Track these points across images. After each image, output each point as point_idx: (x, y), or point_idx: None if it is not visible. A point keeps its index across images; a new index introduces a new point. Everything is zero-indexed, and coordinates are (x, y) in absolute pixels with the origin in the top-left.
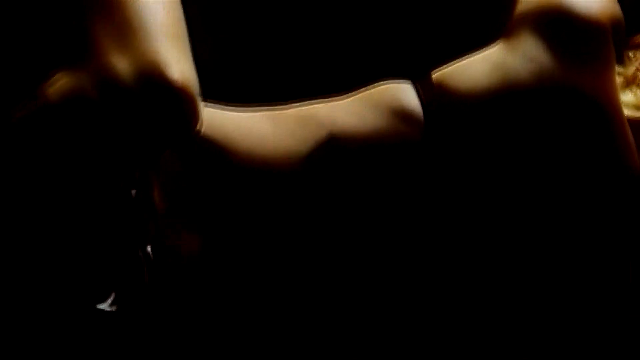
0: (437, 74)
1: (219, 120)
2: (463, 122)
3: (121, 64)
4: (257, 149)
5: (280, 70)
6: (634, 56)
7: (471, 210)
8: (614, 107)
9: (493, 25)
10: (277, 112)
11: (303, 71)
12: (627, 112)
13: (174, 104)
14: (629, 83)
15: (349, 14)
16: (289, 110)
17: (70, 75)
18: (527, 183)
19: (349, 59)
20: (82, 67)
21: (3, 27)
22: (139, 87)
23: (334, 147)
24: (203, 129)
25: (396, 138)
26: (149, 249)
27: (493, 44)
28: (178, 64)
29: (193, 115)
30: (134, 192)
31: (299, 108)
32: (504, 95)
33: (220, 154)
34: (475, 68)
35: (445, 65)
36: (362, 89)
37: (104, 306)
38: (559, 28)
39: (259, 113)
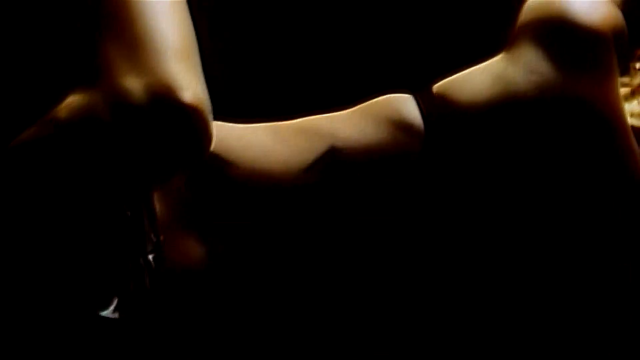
0: (438, 86)
1: (221, 133)
2: (464, 133)
3: (133, 84)
4: (259, 161)
5: (283, 84)
6: None
7: (472, 221)
8: (617, 115)
9: (495, 36)
10: (278, 125)
11: (305, 85)
12: (633, 121)
13: (187, 125)
14: (635, 93)
15: (351, 28)
16: (290, 123)
17: (82, 96)
18: (528, 193)
19: (350, 72)
20: (95, 88)
21: (16, 46)
22: (151, 109)
23: (335, 158)
24: None
25: (396, 149)
26: (150, 257)
27: (495, 55)
28: (190, 84)
29: (205, 136)
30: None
31: (300, 121)
32: (504, 106)
33: (222, 166)
34: (476, 79)
35: (447, 77)
36: (363, 101)
37: (107, 313)
38: (560, 38)
39: (260, 126)
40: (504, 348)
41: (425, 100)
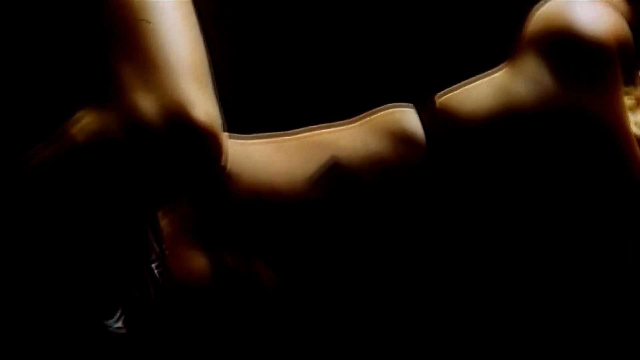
0: (441, 98)
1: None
2: (465, 145)
3: (146, 103)
4: (262, 175)
5: (285, 97)
6: None
7: (475, 232)
8: (620, 127)
9: (499, 48)
10: (281, 139)
11: (308, 98)
12: (638, 131)
13: (199, 143)
14: None
15: (354, 41)
16: (293, 137)
17: (94, 114)
18: (531, 205)
19: (354, 85)
20: (107, 106)
21: (28, 64)
22: (164, 128)
23: (338, 171)
24: None
25: (398, 161)
26: (154, 268)
27: (499, 67)
28: (202, 103)
29: (218, 154)
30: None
31: (303, 135)
32: (506, 118)
33: (225, 180)
34: (479, 92)
35: (451, 89)
36: (366, 114)
37: (111, 323)
38: (564, 50)
39: (263, 140)
40: (508, 354)
41: (428, 113)
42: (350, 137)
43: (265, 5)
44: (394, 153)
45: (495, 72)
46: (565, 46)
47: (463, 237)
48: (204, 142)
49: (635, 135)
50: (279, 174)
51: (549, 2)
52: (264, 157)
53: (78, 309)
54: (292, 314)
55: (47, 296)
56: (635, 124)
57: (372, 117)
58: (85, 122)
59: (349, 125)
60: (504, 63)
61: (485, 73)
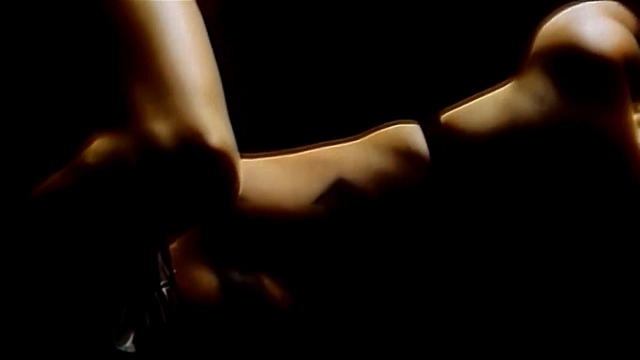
0: (445, 115)
1: None
2: (469, 162)
3: (161, 129)
4: (267, 193)
5: (290, 115)
6: None
7: (479, 249)
8: (628, 143)
9: (505, 65)
10: (285, 157)
11: (313, 115)
12: None
13: (214, 170)
14: None
15: (359, 58)
16: (297, 155)
17: (109, 139)
18: (535, 223)
19: (358, 102)
20: (121, 131)
21: (42, 87)
22: (179, 154)
23: (342, 189)
24: None
25: (402, 178)
26: (164, 289)
27: (504, 83)
28: (217, 128)
29: (233, 180)
30: None
31: (307, 153)
32: (511, 135)
33: None
34: (483, 108)
35: (455, 106)
36: (371, 131)
37: (124, 346)
38: (569, 66)
39: (268, 159)
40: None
41: (432, 129)
42: (354, 154)
43: (270, 21)
44: (398, 169)
45: (501, 88)
46: (570, 62)
47: (467, 253)
48: (219, 169)
49: None
50: (283, 191)
51: (556, 18)
52: (269, 176)
53: (88, 329)
54: (301, 331)
55: (58, 316)
56: None
57: (376, 133)
58: (99, 147)
59: (354, 143)
60: (510, 79)
61: (491, 89)
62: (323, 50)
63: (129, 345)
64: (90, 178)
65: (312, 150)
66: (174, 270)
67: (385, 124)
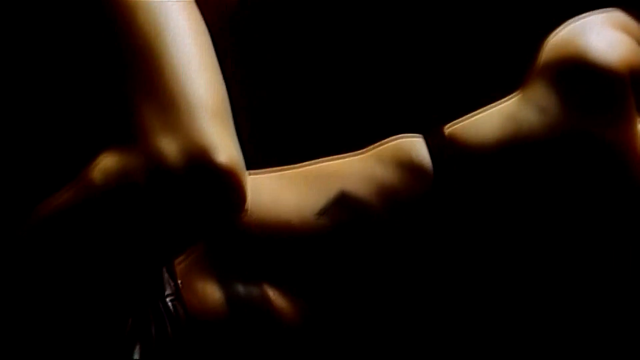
0: (450, 128)
1: None
2: (472, 175)
3: (169, 147)
4: (271, 207)
5: (293, 129)
6: None
7: (482, 261)
8: (634, 155)
9: (511, 78)
10: (289, 172)
11: (317, 129)
12: None
13: (222, 188)
14: None
15: (364, 72)
16: (301, 170)
17: (116, 156)
18: (539, 235)
19: (363, 116)
20: (129, 148)
21: (50, 104)
22: (187, 173)
23: (346, 202)
24: None
25: (405, 191)
26: (169, 302)
27: (510, 97)
28: (225, 145)
29: (240, 197)
30: None
31: (310, 167)
32: (515, 148)
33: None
34: (487, 121)
35: (460, 119)
36: (375, 145)
37: (130, 357)
38: (574, 78)
39: (272, 175)
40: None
41: (436, 143)
42: (357, 167)
43: (274, 36)
44: (401, 182)
45: (506, 101)
46: (575, 73)
47: (471, 264)
48: (226, 186)
49: None
50: (287, 205)
51: (562, 30)
52: (273, 190)
53: (95, 341)
54: (306, 344)
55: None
56: None
57: (380, 147)
58: (106, 164)
59: (357, 157)
60: (516, 92)
61: (497, 102)
62: (328, 64)
63: (135, 356)
64: (98, 196)
65: (315, 164)
66: (180, 284)
67: (390, 138)
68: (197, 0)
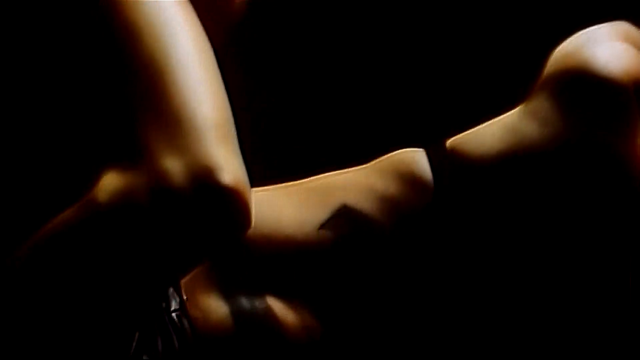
0: (451, 141)
1: None
2: (472, 188)
3: (174, 167)
4: (273, 222)
5: (296, 142)
6: None
7: (482, 274)
8: (637, 166)
9: (516, 91)
10: (291, 186)
11: (320, 142)
12: None
13: (226, 208)
14: None
15: (367, 86)
16: (302, 183)
17: (120, 176)
18: (540, 247)
19: (366, 129)
20: (133, 168)
21: (53, 122)
22: (192, 192)
23: (347, 215)
24: None
25: (406, 203)
26: (174, 316)
27: (513, 109)
28: (230, 165)
29: (245, 217)
30: None
31: (312, 180)
32: (516, 160)
33: None
34: (488, 134)
35: (463, 132)
36: (377, 158)
37: None
38: (577, 90)
39: (274, 188)
40: None
41: (437, 155)
42: (358, 180)
43: (277, 52)
44: (402, 194)
45: (509, 112)
46: (577, 85)
47: (472, 277)
48: (232, 207)
49: None
50: (289, 219)
51: (567, 42)
52: (275, 204)
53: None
54: (311, 357)
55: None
56: None
57: (381, 160)
58: (111, 184)
59: (358, 169)
60: (519, 104)
61: (500, 115)
62: (331, 78)
63: None
64: (103, 216)
65: (317, 178)
66: (186, 299)
67: (393, 151)
68: (200, 16)
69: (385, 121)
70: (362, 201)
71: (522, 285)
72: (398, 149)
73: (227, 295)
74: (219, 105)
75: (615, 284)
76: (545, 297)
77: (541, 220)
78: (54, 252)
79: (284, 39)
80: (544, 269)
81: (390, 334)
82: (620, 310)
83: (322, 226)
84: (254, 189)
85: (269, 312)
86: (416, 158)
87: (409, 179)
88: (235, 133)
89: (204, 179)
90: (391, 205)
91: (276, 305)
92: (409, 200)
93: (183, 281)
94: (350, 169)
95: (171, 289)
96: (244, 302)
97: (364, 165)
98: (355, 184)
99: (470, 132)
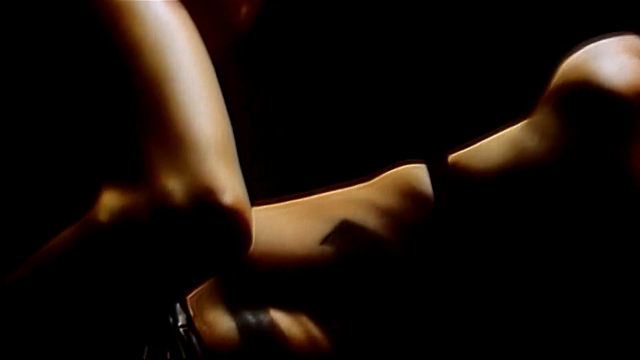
0: (453, 155)
1: None
2: (474, 202)
3: (174, 187)
4: (275, 239)
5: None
6: None
7: (483, 289)
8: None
9: (520, 105)
10: (292, 203)
11: (321, 160)
12: None
13: (227, 228)
14: None
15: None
16: (303, 201)
17: (120, 195)
18: (541, 262)
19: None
20: (134, 187)
21: (53, 139)
22: (192, 212)
23: (346, 228)
24: None
25: (407, 218)
26: (182, 330)
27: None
28: (231, 185)
29: (246, 237)
30: None
31: (312, 197)
32: (517, 174)
33: None
34: (490, 148)
35: (465, 146)
36: (379, 173)
37: None
38: (580, 103)
39: (275, 206)
40: None
41: (438, 170)
42: (359, 196)
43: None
44: (403, 209)
45: (513, 127)
46: (580, 99)
47: (471, 294)
48: (232, 226)
49: None
50: (291, 234)
51: (574, 56)
52: (277, 221)
53: None
54: None
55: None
56: None
57: (383, 175)
58: (111, 203)
59: (359, 186)
60: (522, 119)
61: (505, 128)
62: (333, 92)
63: None
64: (103, 236)
65: (318, 196)
66: (193, 315)
67: (395, 166)
68: (203, 27)
69: (388, 136)
70: (363, 216)
71: (525, 299)
72: (400, 164)
73: (233, 310)
74: (219, 123)
75: (619, 296)
76: (548, 311)
77: (543, 235)
78: (55, 271)
79: (288, 52)
80: (547, 282)
81: (393, 345)
82: (623, 323)
83: (324, 241)
84: (255, 208)
85: (274, 326)
86: (417, 173)
87: (410, 195)
88: (235, 150)
89: (204, 199)
90: (392, 220)
91: (281, 319)
92: (410, 215)
93: (190, 297)
94: (351, 186)
95: (178, 305)
96: (250, 316)
97: (364, 183)
98: (356, 199)
99: (472, 147)
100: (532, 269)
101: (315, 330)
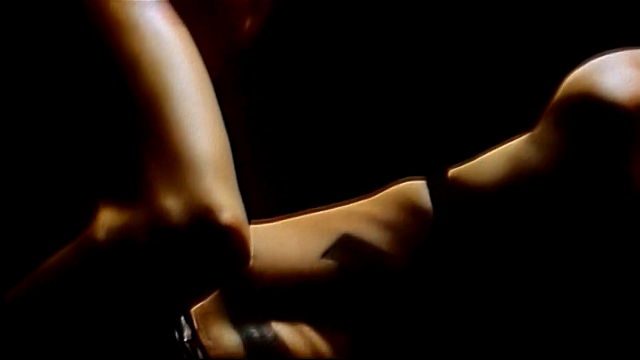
0: (454, 170)
1: None
2: (474, 217)
3: (172, 205)
4: (276, 254)
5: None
6: None
7: (483, 303)
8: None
9: (524, 119)
10: (293, 220)
11: (324, 176)
12: None
13: (225, 247)
14: None
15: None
16: (304, 217)
17: (118, 213)
18: (541, 277)
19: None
20: (132, 205)
21: (50, 158)
22: (191, 231)
23: (347, 243)
24: None
25: (407, 233)
26: (187, 344)
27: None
28: (229, 203)
29: (243, 256)
30: None
31: (314, 215)
32: (517, 188)
33: None
34: (491, 162)
35: (466, 161)
36: (379, 188)
37: None
38: (581, 115)
39: (276, 223)
40: None
41: (438, 185)
42: (359, 211)
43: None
44: (403, 224)
45: (514, 141)
46: (581, 111)
47: (472, 307)
48: (230, 245)
49: None
50: (292, 250)
51: (578, 70)
52: (278, 236)
53: None
54: None
55: None
56: None
57: (384, 191)
58: (109, 222)
59: (360, 202)
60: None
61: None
62: (333, 108)
63: None
64: (101, 254)
65: (319, 213)
66: (197, 327)
67: (395, 182)
68: (201, 48)
69: (388, 152)
70: (363, 230)
71: (527, 312)
72: (400, 179)
73: (237, 324)
74: (217, 141)
75: (621, 307)
76: (550, 324)
77: (545, 248)
78: (54, 288)
79: (289, 68)
80: (549, 295)
81: (395, 358)
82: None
83: (324, 255)
84: (254, 225)
85: (277, 340)
86: (417, 189)
87: (410, 209)
88: (233, 169)
89: (202, 217)
90: (393, 235)
91: (284, 332)
92: (411, 230)
93: (194, 311)
94: (351, 203)
95: (183, 319)
96: (253, 330)
97: (365, 200)
98: (357, 213)
99: (472, 162)
100: (534, 283)
101: (318, 344)
